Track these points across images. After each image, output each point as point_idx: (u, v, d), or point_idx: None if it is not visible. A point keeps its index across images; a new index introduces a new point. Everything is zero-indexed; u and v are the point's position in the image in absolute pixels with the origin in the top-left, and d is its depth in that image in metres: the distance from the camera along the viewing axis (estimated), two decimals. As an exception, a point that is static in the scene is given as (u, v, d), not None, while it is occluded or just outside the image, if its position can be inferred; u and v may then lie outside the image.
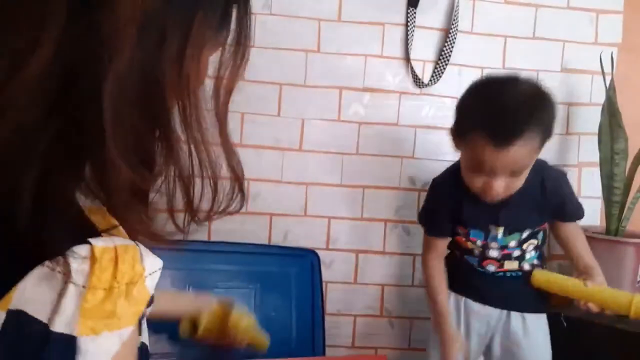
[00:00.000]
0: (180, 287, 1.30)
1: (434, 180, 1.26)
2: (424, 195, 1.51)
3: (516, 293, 1.21)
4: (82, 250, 0.39)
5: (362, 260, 1.51)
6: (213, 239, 1.45)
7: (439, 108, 1.52)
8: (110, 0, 0.38)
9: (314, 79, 1.47)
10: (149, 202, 0.45)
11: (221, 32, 0.50)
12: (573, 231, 1.22)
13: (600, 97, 1.46)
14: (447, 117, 1.52)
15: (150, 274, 0.43)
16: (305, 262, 1.38)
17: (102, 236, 0.41)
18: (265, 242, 1.47)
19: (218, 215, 0.50)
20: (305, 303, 1.35)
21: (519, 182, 1.04)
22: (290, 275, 1.36)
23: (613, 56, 1.47)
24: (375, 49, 1.49)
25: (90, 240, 0.39)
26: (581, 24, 1.56)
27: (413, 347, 1.51)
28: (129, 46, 0.39)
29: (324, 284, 1.42)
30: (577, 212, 1.21)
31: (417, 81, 1.49)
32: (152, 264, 0.44)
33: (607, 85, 1.41)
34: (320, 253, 1.40)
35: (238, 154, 0.50)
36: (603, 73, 1.43)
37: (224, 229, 1.45)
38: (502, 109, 0.98)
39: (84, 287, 0.38)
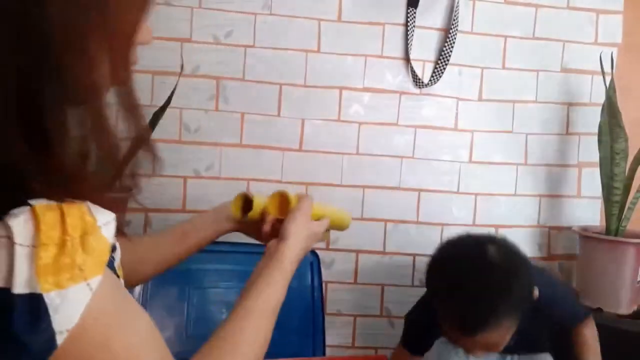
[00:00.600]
0: (180, 287, 1.30)
1: (408, 315, 1.20)
2: (424, 195, 1.52)
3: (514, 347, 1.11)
4: (21, 211, 0.39)
5: (362, 260, 1.51)
6: (213, 239, 1.45)
7: (439, 108, 1.52)
8: None
9: (314, 79, 1.47)
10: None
11: None
12: (578, 338, 1.16)
13: (600, 97, 1.46)
14: (447, 117, 1.53)
15: (104, 224, 0.44)
16: (305, 262, 1.38)
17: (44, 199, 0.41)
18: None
19: (128, 181, 0.48)
20: (305, 303, 1.35)
21: (500, 348, 0.99)
22: (290, 276, 1.37)
23: (613, 56, 1.47)
24: (375, 49, 1.49)
25: (30, 201, 0.40)
26: (581, 24, 1.56)
27: (413, 347, 1.51)
28: None
29: (323, 284, 1.42)
30: (574, 319, 1.16)
31: (417, 81, 1.49)
32: (104, 216, 0.44)
33: (607, 85, 1.41)
34: (320, 253, 1.40)
35: (143, 113, 0.48)
36: (603, 73, 1.43)
37: (224, 229, 1.45)
38: (468, 308, 0.92)
39: (33, 246, 0.39)
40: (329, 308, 1.49)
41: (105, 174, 0.46)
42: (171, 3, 1.41)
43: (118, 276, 0.48)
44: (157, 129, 1.30)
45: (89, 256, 0.41)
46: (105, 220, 0.44)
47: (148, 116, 1.29)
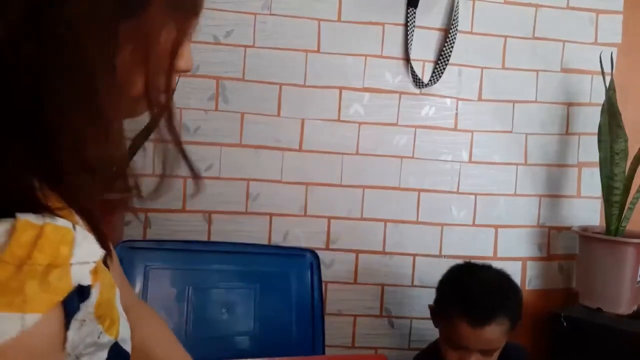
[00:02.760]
0: (180, 287, 1.30)
1: (415, 357, 1.31)
2: (423, 195, 1.52)
3: None
4: (5, 222, 0.36)
5: (362, 260, 1.51)
6: (213, 239, 1.45)
7: (439, 108, 1.52)
8: None
9: (314, 79, 1.47)
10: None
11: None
12: None
13: (600, 97, 1.46)
14: (447, 117, 1.53)
15: (80, 263, 0.39)
16: (305, 262, 1.38)
17: (42, 213, 0.38)
18: (266, 242, 1.47)
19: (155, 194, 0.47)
20: (305, 303, 1.35)
21: (494, 355, 1.13)
22: (290, 275, 1.36)
23: (613, 56, 1.47)
24: (375, 49, 1.49)
25: (18, 214, 0.37)
26: (581, 24, 1.56)
27: (413, 347, 1.51)
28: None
29: (323, 284, 1.42)
30: None
31: (417, 81, 1.49)
32: (86, 253, 0.40)
33: (607, 85, 1.41)
34: (320, 253, 1.40)
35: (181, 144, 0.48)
36: (603, 73, 1.43)
37: (224, 230, 1.45)
38: (479, 300, 1.12)
39: None
40: (329, 308, 1.49)
41: (107, 175, 0.44)
42: (171, 3, 1.41)
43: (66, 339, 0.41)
44: (157, 129, 1.30)
45: (42, 290, 0.37)
46: (84, 259, 0.40)
47: (147, 117, 1.29)
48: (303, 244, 1.47)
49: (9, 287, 0.35)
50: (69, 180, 0.41)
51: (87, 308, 0.41)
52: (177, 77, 0.52)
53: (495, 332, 1.10)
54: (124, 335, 0.48)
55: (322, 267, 1.39)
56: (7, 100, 0.38)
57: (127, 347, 0.49)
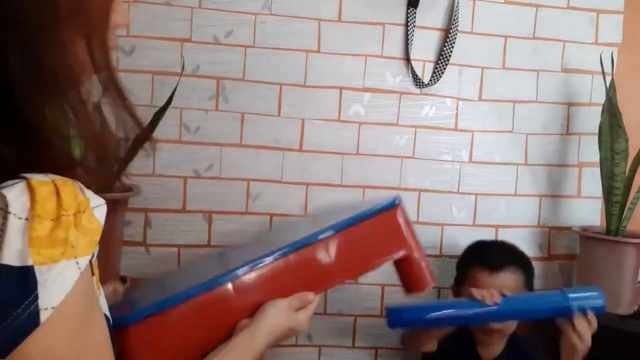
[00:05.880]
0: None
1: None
2: (424, 195, 1.52)
3: None
4: (16, 183, 0.38)
5: (362, 260, 1.51)
6: (213, 240, 1.45)
7: (439, 108, 1.52)
8: None
9: (314, 79, 1.47)
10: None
11: None
12: None
13: (601, 97, 1.46)
14: (447, 117, 1.53)
15: (96, 206, 0.43)
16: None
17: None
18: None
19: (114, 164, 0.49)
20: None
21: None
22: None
23: (613, 56, 1.47)
24: (375, 49, 1.49)
25: (25, 175, 0.39)
26: (581, 24, 1.56)
27: (413, 347, 1.51)
28: None
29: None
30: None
31: (417, 81, 1.49)
32: (95, 198, 0.43)
33: (607, 85, 1.41)
34: (321, 253, 1.40)
35: (129, 101, 0.47)
36: (603, 73, 1.43)
37: (224, 230, 1.45)
38: (494, 249, 1.33)
39: (26, 218, 0.38)
40: (329, 308, 1.48)
41: (91, 165, 0.45)
42: (171, 3, 1.41)
43: (93, 273, 0.46)
44: (157, 129, 1.30)
45: (81, 235, 0.40)
46: (97, 203, 0.43)
47: (148, 116, 1.29)
48: (303, 244, 1.47)
49: (57, 238, 0.39)
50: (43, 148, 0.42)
51: (94, 258, 0.45)
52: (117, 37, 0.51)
53: (511, 280, 1.22)
54: (104, 303, 0.51)
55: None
56: None
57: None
